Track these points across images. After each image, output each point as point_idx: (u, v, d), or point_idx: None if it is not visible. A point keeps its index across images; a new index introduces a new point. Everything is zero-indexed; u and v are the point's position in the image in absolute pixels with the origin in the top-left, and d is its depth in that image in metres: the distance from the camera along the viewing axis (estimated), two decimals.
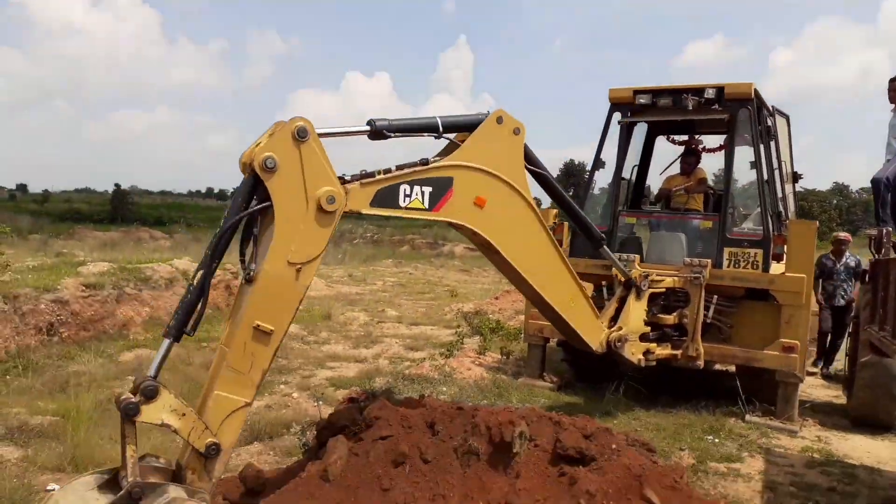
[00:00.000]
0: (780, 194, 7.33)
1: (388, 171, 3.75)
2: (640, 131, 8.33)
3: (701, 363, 6.66)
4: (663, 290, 6.66)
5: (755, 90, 6.95)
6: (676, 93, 7.09)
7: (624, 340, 5.92)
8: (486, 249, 4.52)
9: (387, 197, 3.78)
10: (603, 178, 8.31)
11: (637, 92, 7.39)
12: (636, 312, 6.29)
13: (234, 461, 5.16)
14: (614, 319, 6.07)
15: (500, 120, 4.37)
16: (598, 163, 7.92)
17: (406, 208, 3.86)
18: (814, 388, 8.16)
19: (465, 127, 4.25)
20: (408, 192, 3.93)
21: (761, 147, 6.99)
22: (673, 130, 8.45)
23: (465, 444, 4.18)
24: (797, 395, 6.58)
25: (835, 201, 67.49)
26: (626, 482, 3.93)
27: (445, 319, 12.03)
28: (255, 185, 3.20)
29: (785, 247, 6.65)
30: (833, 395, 7.92)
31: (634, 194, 8.50)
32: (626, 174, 8.11)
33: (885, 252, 5.83)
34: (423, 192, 3.99)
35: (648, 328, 6.50)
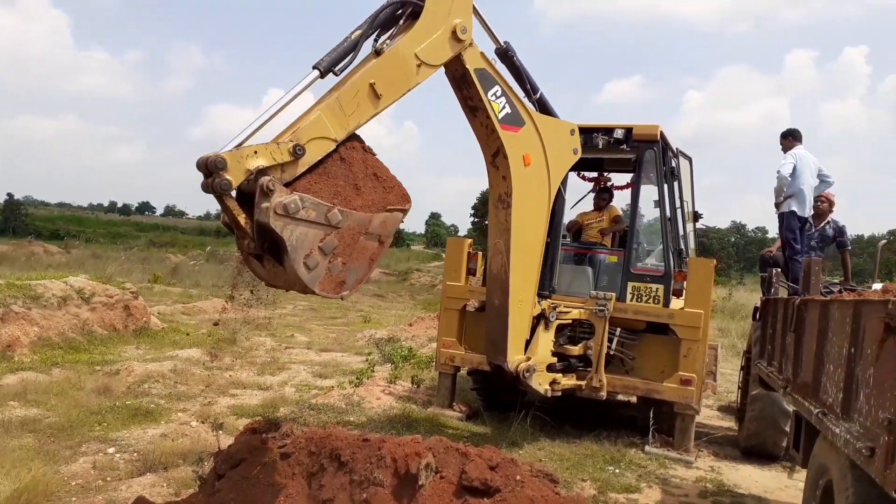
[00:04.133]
0: (681, 232, 7.68)
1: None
2: None
3: (604, 394, 6.83)
4: (570, 321, 6.82)
5: (661, 132, 7.29)
6: (587, 131, 7.34)
7: (532, 370, 6.02)
8: (498, 203, 5.37)
9: (486, 80, 4.80)
10: None
11: None
12: (544, 343, 6.41)
13: (125, 493, 4.88)
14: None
15: (572, 132, 5.89)
16: None
17: (489, 101, 4.85)
18: (710, 420, 8.52)
19: (550, 112, 5.79)
20: (499, 94, 4.90)
21: (665, 187, 7.32)
22: (583, 167, 8.73)
23: (370, 476, 4.11)
24: (693, 427, 6.84)
25: (732, 239, 71.44)
26: None
27: (357, 346, 11.87)
28: None
29: (685, 283, 6.96)
30: (727, 426, 8.29)
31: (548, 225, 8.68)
32: None
33: (774, 291, 6.20)
34: (506, 105, 4.95)
35: (555, 359, 6.63)
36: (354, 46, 3.84)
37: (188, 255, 34.32)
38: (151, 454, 5.44)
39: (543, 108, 5.84)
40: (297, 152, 3.44)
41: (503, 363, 5.82)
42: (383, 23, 4.08)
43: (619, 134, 7.25)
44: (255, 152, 3.34)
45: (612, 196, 8.39)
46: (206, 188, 3.28)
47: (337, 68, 3.75)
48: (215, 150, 3.58)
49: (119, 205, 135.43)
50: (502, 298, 5.53)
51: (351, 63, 3.81)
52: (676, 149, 7.89)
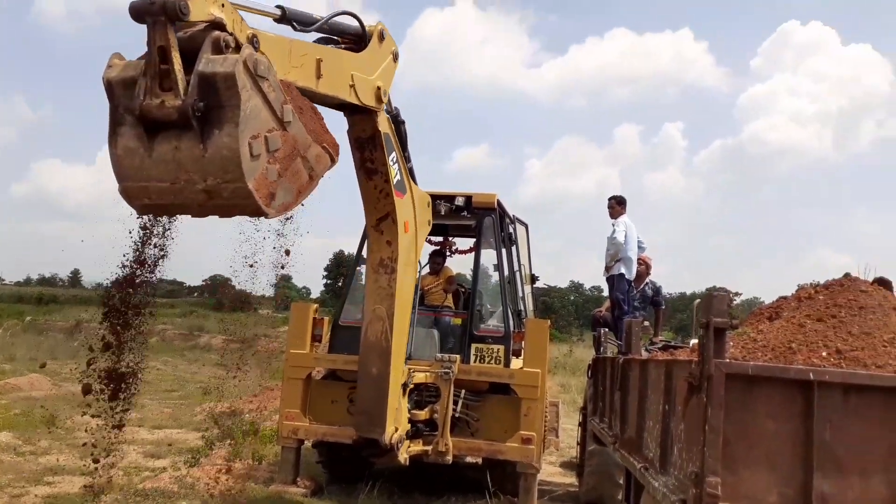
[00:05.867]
0: (520, 294, 8.03)
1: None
2: None
3: (450, 458, 6.82)
4: (413, 385, 6.81)
5: (498, 200, 7.67)
6: (433, 199, 7.57)
7: (402, 441, 5.91)
8: (379, 268, 5.45)
9: (388, 145, 5.03)
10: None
11: None
12: (404, 410, 6.30)
13: None
14: None
15: (429, 204, 6.30)
16: (360, 259, 8.09)
17: (389, 165, 5.08)
18: (553, 476, 8.78)
19: (415, 181, 6.07)
20: (394, 160, 5.15)
21: (503, 251, 7.66)
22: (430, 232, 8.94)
23: None
24: (536, 485, 6.99)
25: (572, 297, 75.70)
26: None
27: (195, 422, 11.12)
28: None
29: (523, 343, 7.21)
30: (569, 482, 8.58)
31: None
32: None
33: (603, 350, 6.60)
34: (399, 173, 5.24)
35: (409, 425, 6.56)
36: (313, 23, 3.80)
37: (2, 325, 30.87)
38: None
39: (412, 176, 6.00)
40: (254, 43, 2.97)
41: (380, 436, 5.59)
42: (329, 30, 4.13)
43: (460, 201, 7.54)
44: (223, 5, 2.87)
45: (444, 259, 8.66)
46: (148, 6, 2.61)
47: (296, 25, 3.68)
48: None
49: None
50: (381, 367, 5.41)
51: (303, 33, 3.77)
52: (513, 215, 8.31)
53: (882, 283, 3.68)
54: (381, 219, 5.34)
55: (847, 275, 3.78)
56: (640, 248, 8.65)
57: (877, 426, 2.61)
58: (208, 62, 2.70)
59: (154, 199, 2.89)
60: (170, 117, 2.68)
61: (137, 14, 2.67)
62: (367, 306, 5.61)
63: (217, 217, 2.99)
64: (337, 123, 4.89)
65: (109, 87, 2.85)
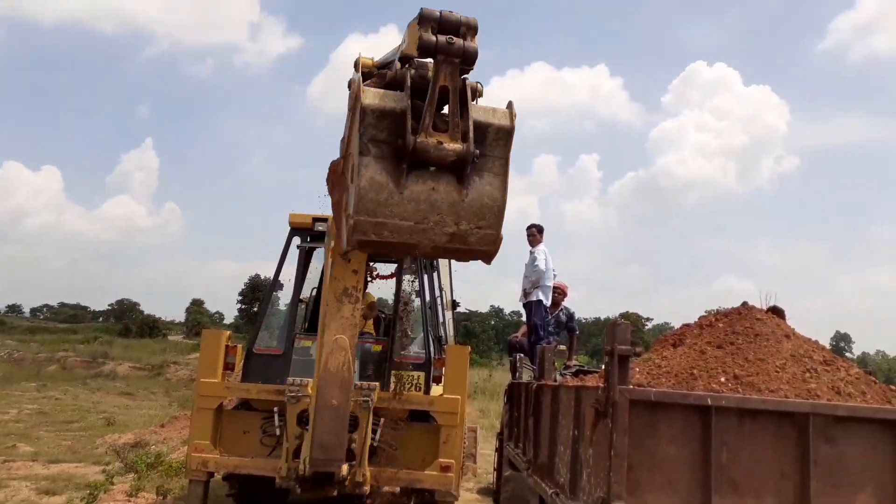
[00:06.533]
0: (441, 320, 8.05)
1: None
2: (319, 255, 8.58)
3: (367, 489, 6.70)
4: None
5: None
6: None
7: (349, 472, 5.77)
8: (343, 297, 5.25)
9: None
10: (283, 300, 8.34)
11: (316, 219, 7.64)
12: None
13: None
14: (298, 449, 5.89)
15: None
16: (277, 284, 7.94)
17: None
18: (470, 503, 8.77)
19: None
20: None
21: (425, 277, 7.68)
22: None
23: None
24: None
25: (493, 322, 76.54)
26: None
27: (96, 454, 10.51)
28: None
29: (443, 369, 7.22)
30: None
31: (313, 317, 8.61)
32: (305, 296, 8.23)
33: (519, 375, 6.70)
34: None
35: None
36: None
37: None
38: None
39: None
40: None
41: (337, 469, 5.43)
42: None
43: None
44: None
45: (366, 284, 8.59)
46: (447, 46, 2.61)
47: None
48: None
49: None
50: (342, 398, 5.27)
51: None
52: None
53: (775, 311, 3.91)
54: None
55: (744, 303, 4.00)
56: (554, 276, 8.89)
57: (769, 448, 2.77)
58: (479, 111, 2.79)
59: (385, 237, 2.83)
60: (446, 160, 2.71)
61: (430, 51, 2.67)
62: (327, 336, 5.43)
63: (427, 257, 3.17)
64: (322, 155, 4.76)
65: (364, 114, 2.75)
